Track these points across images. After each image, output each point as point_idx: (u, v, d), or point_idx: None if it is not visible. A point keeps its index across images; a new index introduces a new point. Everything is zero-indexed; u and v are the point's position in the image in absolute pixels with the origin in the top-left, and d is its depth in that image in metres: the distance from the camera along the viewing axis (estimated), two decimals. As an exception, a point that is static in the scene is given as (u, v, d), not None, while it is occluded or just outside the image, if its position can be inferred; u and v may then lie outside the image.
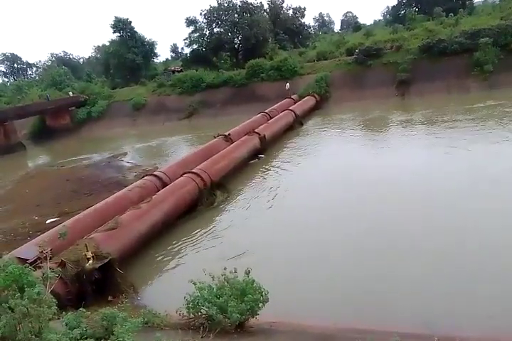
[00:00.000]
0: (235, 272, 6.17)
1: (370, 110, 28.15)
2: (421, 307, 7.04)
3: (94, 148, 31.59)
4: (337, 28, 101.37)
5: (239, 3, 48.95)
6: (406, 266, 8.38)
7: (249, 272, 6.17)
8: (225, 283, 6.05)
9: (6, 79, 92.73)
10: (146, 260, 10.56)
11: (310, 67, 37.22)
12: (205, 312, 5.80)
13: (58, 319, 5.02)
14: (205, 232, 11.85)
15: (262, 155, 19.69)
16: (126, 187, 14.19)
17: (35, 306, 4.35)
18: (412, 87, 30.59)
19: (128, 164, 23.84)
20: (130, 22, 50.83)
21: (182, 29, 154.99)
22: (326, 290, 7.98)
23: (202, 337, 5.52)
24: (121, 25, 50.41)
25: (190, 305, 5.78)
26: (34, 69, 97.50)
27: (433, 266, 8.24)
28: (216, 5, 48.77)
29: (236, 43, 50.19)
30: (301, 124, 26.51)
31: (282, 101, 30.32)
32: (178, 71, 48.93)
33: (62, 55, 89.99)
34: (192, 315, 5.91)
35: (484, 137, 17.16)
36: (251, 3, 49.81)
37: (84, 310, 5.04)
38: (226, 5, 48.82)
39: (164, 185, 13.73)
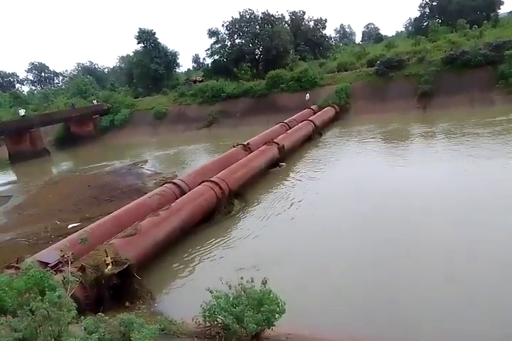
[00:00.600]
0: (252, 282, 6.14)
1: (390, 122, 27.84)
2: (442, 321, 6.84)
3: (115, 155, 32.19)
4: (358, 39, 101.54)
5: (260, 14, 49.65)
6: (428, 278, 8.21)
7: (266, 282, 6.12)
8: (242, 293, 6.01)
9: (34, 88, 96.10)
10: (164, 267, 10.61)
11: (330, 78, 37.19)
12: (221, 321, 5.77)
13: (77, 323, 5.08)
14: (222, 241, 11.86)
15: (284, 164, 19.89)
16: (145, 194, 14.36)
17: (55, 309, 4.42)
18: (434, 100, 30.16)
19: (148, 171, 24.16)
20: (154, 33, 52.03)
21: (204, 40, 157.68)
22: (342, 302, 7.87)
23: (217, 347, 5.49)
24: (145, 36, 51.62)
25: (206, 314, 5.76)
26: (61, 78, 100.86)
27: (455, 277, 8.05)
28: (238, 16, 49.56)
29: (257, 54, 50.69)
30: (320, 135, 26.43)
31: (302, 112, 30.28)
32: (199, 81, 49.66)
33: (87, 64, 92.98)
34: (208, 324, 5.88)
35: (503, 151, 16.82)
36: (272, 15, 50.41)
37: (102, 315, 5.08)
38: (248, 16, 49.52)
39: (183, 192, 13.84)
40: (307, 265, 9.57)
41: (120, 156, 31.37)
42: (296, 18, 58.06)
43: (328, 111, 30.77)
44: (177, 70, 60.30)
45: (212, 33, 50.40)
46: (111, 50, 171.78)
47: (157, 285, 9.67)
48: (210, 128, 38.58)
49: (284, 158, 20.19)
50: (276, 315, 5.80)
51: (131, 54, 58.13)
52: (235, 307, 5.72)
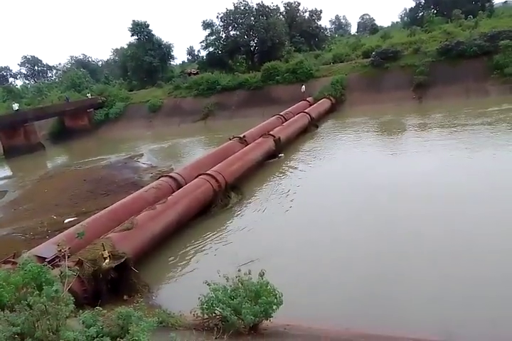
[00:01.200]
0: (249, 274, 6.17)
1: (386, 113, 27.86)
2: (439, 313, 6.92)
3: (111, 149, 32.01)
4: (353, 30, 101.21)
5: (255, 6, 49.26)
6: (424, 270, 8.26)
7: (263, 274, 6.16)
8: (239, 285, 6.04)
9: (27, 81, 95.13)
10: (161, 260, 10.64)
11: (326, 70, 37.06)
12: (219, 314, 5.81)
13: (75, 317, 5.08)
14: (218, 233, 11.89)
15: (282, 154, 20.02)
16: (142, 187, 14.33)
17: (53, 304, 4.41)
18: (429, 90, 30.16)
19: (144, 165, 24.08)
20: (147, 25, 51.51)
21: (199, 32, 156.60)
22: (339, 293, 7.94)
23: (216, 338, 5.53)
24: (139, 29, 51.09)
25: (204, 306, 5.80)
26: (54, 71, 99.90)
27: (452, 271, 8.10)
28: (233, 8, 49.11)
29: (252, 46, 50.37)
30: (316, 127, 26.41)
31: (298, 104, 30.23)
32: (194, 73, 49.31)
33: (81, 57, 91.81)
34: (206, 316, 5.93)
35: (494, 142, 17.03)
36: (267, 6, 49.98)
37: (100, 309, 5.09)
38: (242, 8, 49.08)
39: (179, 186, 13.83)
40: (303, 257, 9.61)
41: (115, 150, 31.19)
42: (291, 9, 57.65)
43: (324, 103, 30.71)
44: (172, 63, 59.91)
45: (207, 25, 49.95)
46: (104, 42, 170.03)
47: (155, 278, 9.70)
48: (206, 120, 38.46)
49: (280, 151, 20.19)
50: (274, 307, 5.85)
51: (125, 46, 57.53)
52: (233, 300, 5.76)
